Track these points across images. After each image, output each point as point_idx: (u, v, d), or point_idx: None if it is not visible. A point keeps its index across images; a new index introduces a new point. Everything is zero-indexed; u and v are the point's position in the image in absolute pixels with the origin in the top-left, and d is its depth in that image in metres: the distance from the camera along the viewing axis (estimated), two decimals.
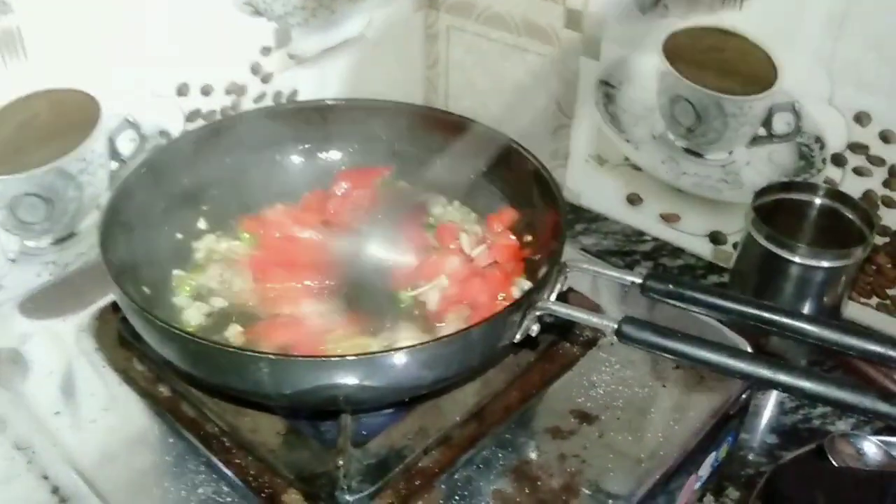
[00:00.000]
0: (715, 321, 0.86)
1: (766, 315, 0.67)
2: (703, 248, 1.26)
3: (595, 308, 0.88)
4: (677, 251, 1.28)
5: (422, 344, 0.67)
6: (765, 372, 0.61)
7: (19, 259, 1.00)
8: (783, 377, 0.60)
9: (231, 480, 0.71)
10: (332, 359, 0.66)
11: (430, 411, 0.77)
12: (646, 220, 1.30)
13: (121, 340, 0.85)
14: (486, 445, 0.75)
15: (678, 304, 0.71)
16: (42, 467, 0.73)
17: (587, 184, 1.34)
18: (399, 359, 0.66)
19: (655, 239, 1.30)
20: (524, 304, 0.70)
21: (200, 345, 0.66)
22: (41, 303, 0.91)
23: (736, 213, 1.19)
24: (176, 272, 0.88)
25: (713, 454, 0.82)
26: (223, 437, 0.76)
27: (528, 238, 0.90)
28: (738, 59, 1.10)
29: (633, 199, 1.31)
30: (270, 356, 0.65)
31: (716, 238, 1.24)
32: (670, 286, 0.70)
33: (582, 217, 1.34)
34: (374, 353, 0.67)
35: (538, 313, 0.71)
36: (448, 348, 0.68)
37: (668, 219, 1.28)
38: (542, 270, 0.76)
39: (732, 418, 0.83)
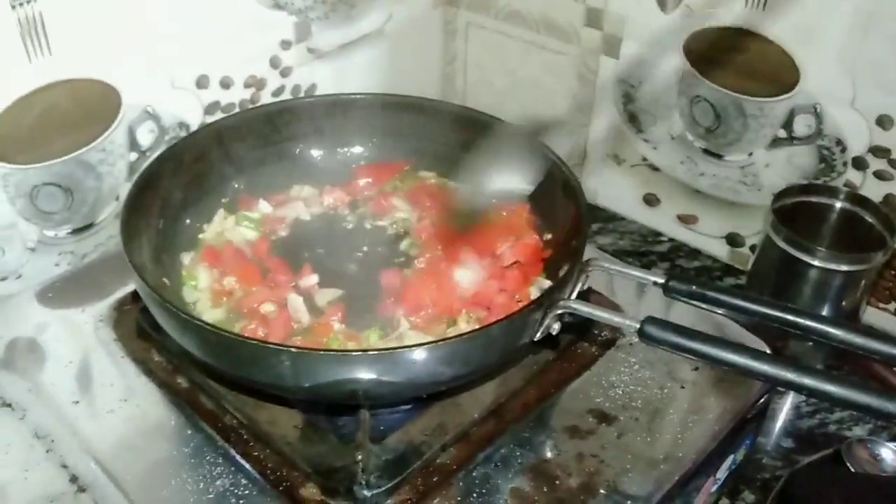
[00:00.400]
0: (733, 322, 0.86)
1: (790, 317, 0.66)
2: (720, 250, 1.26)
3: (615, 308, 0.88)
4: (694, 252, 1.28)
5: (442, 340, 0.67)
6: (789, 375, 0.60)
7: (38, 248, 1.00)
8: (808, 380, 0.60)
9: (249, 473, 0.71)
10: (353, 353, 0.65)
11: (449, 408, 0.77)
12: (663, 220, 1.30)
13: (139, 331, 0.85)
14: (504, 443, 0.75)
15: (700, 305, 0.70)
16: (61, 456, 0.73)
17: (604, 183, 1.34)
18: (419, 355, 0.65)
19: (672, 240, 1.30)
20: (545, 302, 0.70)
21: (221, 336, 0.66)
22: (59, 293, 0.92)
23: (754, 216, 1.19)
24: (185, 255, 0.89)
25: (731, 457, 0.82)
26: (241, 429, 0.76)
27: (548, 236, 0.89)
28: (759, 59, 1.09)
29: (651, 200, 1.30)
30: (292, 349, 0.65)
31: (733, 240, 1.24)
32: (693, 287, 0.70)
33: (598, 216, 1.34)
34: (394, 348, 0.67)
35: (559, 312, 0.71)
36: (468, 345, 0.67)
37: (686, 220, 1.27)
38: (564, 269, 0.75)
39: (751, 421, 0.82)
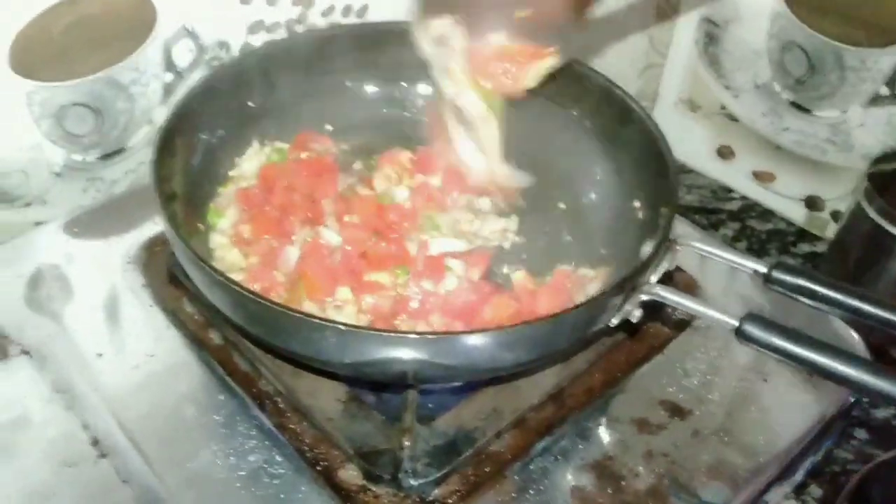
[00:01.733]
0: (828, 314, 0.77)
1: None
2: (797, 213, 1.15)
3: (691, 288, 0.78)
4: (767, 213, 1.18)
5: (508, 327, 0.58)
6: None
7: (64, 173, 0.93)
8: None
9: (284, 449, 0.65)
10: (408, 336, 0.58)
11: (505, 390, 0.70)
12: (736, 175, 1.20)
13: (170, 277, 0.78)
14: (564, 433, 0.68)
15: (807, 301, 0.61)
16: (82, 414, 0.67)
17: (674, 130, 1.20)
18: (480, 340, 0.58)
19: (744, 198, 1.20)
20: (626, 286, 0.61)
21: (261, 305, 0.58)
22: (86, 227, 0.85)
23: (839, 179, 1.08)
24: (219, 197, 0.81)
25: (811, 459, 0.74)
26: (277, 397, 0.69)
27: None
28: (868, 4, 0.97)
29: (725, 153, 1.20)
30: (339, 325, 0.57)
31: (812, 203, 1.14)
32: (801, 280, 0.61)
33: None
34: (453, 333, 0.59)
35: (642, 298, 0.62)
36: (536, 332, 0.59)
37: (762, 177, 1.17)
38: (647, 247, 0.66)
39: (837, 420, 0.74)
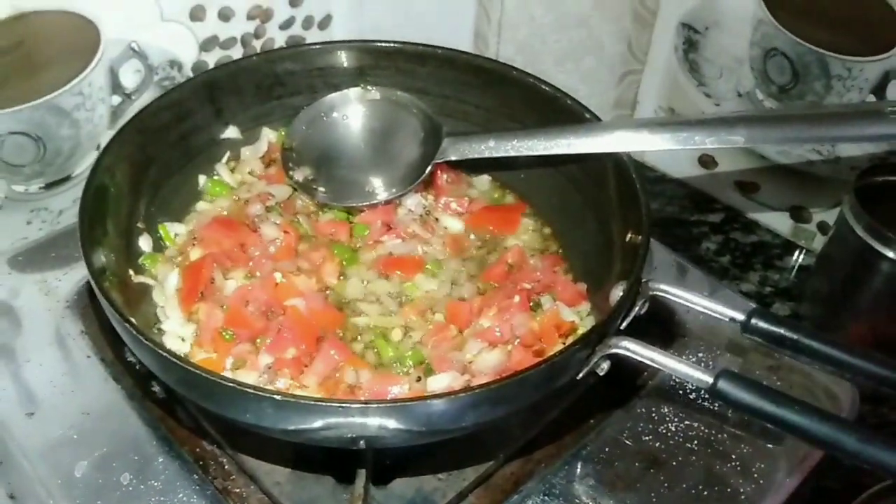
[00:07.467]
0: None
1: None
2: (782, 225, 1.11)
3: (670, 326, 0.73)
4: (751, 224, 1.13)
5: (464, 391, 0.54)
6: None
7: (5, 205, 0.88)
8: None
9: None
10: (354, 406, 0.53)
11: (468, 443, 0.65)
12: (718, 185, 1.15)
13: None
14: (532, 491, 0.63)
15: (788, 353, 0.56)
16: (8, 483, 0.62)
17: None
18: (437, 406, 0.53)
19: (728, 208, 1.15)
20: (592, 341, 0.57)
21: (192, 374, 0.53)
22: (22, 266, 0.80)
23: (826, 190, 1.04)
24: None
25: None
26: (223, 457, 0.64)
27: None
28: (855, 11, 0.93)
29: (707, 162, 1.15)
30: (276, 396, 0.52)
31: (798, 214, 1.09)
32: (782, 330, 0.56)
33: (645, 177, 1.18)
34: (406, 400, 0.55)
35: (610, 352, 0.57)
36: (497, 393, 0.55)
37: (745, 187, 1.12)
38: (616, 293, 0.61)
39: (826, 463, 0.70)
